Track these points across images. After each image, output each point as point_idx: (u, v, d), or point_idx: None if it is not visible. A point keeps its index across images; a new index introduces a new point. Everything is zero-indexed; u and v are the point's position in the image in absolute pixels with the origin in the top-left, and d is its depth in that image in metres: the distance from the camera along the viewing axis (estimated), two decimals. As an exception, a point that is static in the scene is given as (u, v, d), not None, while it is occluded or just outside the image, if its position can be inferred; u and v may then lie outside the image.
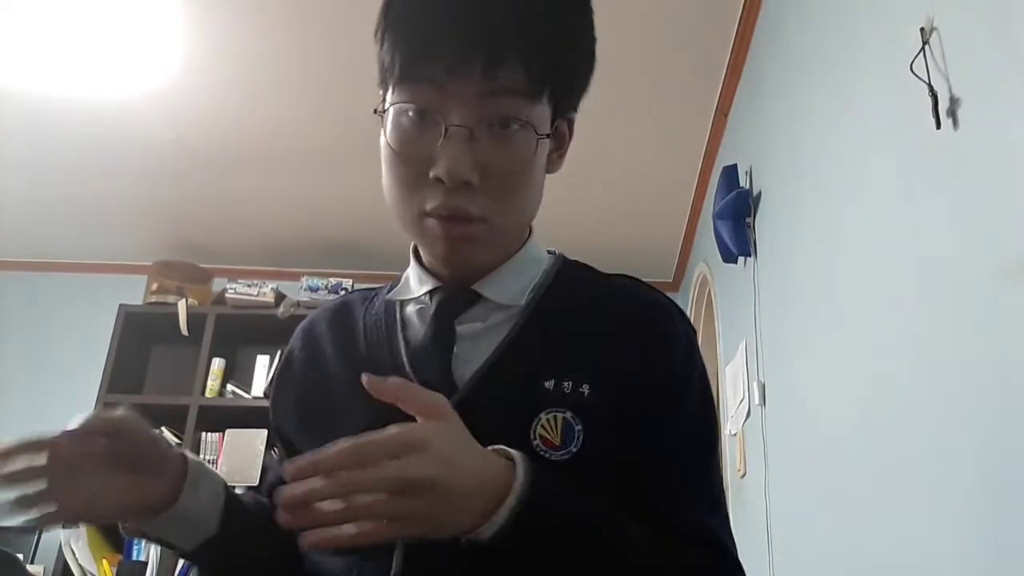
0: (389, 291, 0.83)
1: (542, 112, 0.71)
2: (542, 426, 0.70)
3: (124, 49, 2.81)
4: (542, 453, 0.69)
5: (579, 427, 0.71)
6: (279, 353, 3.14)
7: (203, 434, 3.34)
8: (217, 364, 3.46)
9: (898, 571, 1.43)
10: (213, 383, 3.44)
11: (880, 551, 1.51)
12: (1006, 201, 1.11)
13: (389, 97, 0.71)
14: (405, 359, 0.75)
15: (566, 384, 0.72)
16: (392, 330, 0.78)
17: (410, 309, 0.80)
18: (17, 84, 2.97)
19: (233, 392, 3.42)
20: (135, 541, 3.12)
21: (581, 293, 0.81)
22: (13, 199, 3.67)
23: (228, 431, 3.30)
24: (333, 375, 0.78)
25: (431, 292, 0.78)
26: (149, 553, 3.08)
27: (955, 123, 1.25)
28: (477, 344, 0.75)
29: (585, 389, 0.72)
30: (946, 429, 1.27)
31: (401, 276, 0.84)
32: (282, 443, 0.83)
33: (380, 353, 0.77)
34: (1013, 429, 1.08)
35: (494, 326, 0.76)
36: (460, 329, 0.76)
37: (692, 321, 3.75)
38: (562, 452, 0.70)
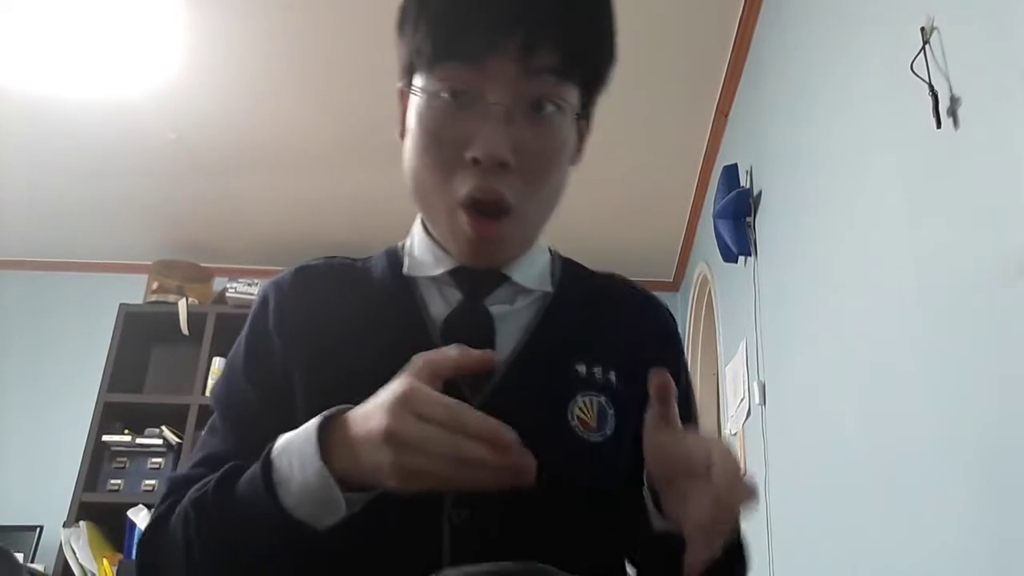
0: (389, 264, 0.80)
1: (574, 96, 0.71)
2: (579, 408, 0.72)
3: (125, 49, 2.81)
4: (580, 434, 0.71)
5: (611, 411, 0.73)
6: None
7: (203, 434, 3.34)
8: (217, 363, 3.46)
9: (898, 571, 1.43)
10: (213, 383, 3.44)
11: (880, 550, 1.51)
12: (1006, 200, 1.11)
13: (420, 81, 0.70)
14: (436, 337, 0.73)
15: (596, 369, 0.75)
16: (414, 306, 0.76)
17: (426, 286, 0.78)
18: (18, 84, 2.97)
19: (233, 391, 3.42)
20: (136, 540, 3.13)
21: (589, 285, 0.84)
22: (14, 198, 3.67)
23: (228, 430, 3.30)
24: (345, 341, 0.74)
25: (453, 271, 0.77)
26: (149, 552, 3.08)
27: (955, 122, 1.25)
28: (506, 326, 0.75)
29: (612, 375, 0.75)
30: (947, 428, 1.27)
31: (402, 248, 0.82)
32: (267, 389, 0.74)
33: (402, 328, 0.74)
34: (1014, 428, 1.08)
35: (521, 309, 0.77)
36: (491, 310, 0.76)
37: (693, 321, 3.77)
38: (597, 434, 0.72)
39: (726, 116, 2.93)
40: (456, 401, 0.54)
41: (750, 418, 2.53)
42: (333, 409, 0.60)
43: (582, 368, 0.74)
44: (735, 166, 2.73)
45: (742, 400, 2.62)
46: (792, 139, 2.20)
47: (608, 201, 3.56)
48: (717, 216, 2.65)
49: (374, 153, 3.36)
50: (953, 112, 1.25)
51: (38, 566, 3.25)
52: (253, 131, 3.23)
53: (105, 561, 3.04)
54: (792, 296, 2.16)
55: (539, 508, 0.66)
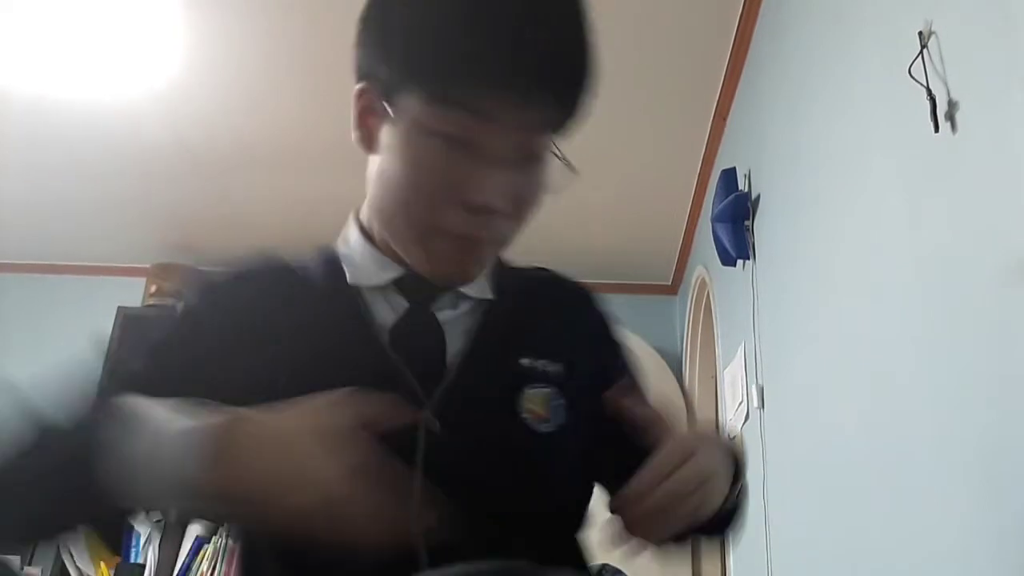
0: (329, 271, 0.79)
1: (558, 139, 0.72)
2: (528, 399, 0.74)
3: (124, 51, 2.81)
4: (532, 425, 0.73)
5: (560, 401, 0.76)
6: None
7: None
8: (216, 366, 3.46)
9: (898, 573, 1.43)
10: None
11: (880, 552, 1.51)
12: (1005, 204, 1.11)
13: (414, 111, 0.67)
14: (384, 344, 0.73)
15: (542, 362, 0.77)
16: (360, 315, 0.75)
17: (371, 293, 0.77)
18: (17, 85, 2.97)
19: (232, 394, 3.41)
20: (133, 543, 3.12)
21: (525, 283, 0.85)
22: (12, 201, 3.67)
23: (227, 433, 3.29)
24: (292, 352, 0.72)
25: (397, 279, 0.77)
26: (147, 555, 3.08)
27: (953, 126, 1.25)
28: (452, 330, 0.77)
29: (559, 367, 0.77)
30: (946, 430, 1.27)
31: (339, 253, 0.81)
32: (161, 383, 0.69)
33: (350, 337, 0.74)
34: (1014, 431, 1.08)
35: (464, 314, 0.78)
36: (437, 316, 0.77)
37: (691, 324, 3.76)
38: (549, 424, 0.74)
39: (724, 119, 2.94)
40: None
41: (748, 421, 2.53)
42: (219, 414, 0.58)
43: (527, 362, 0.76)
44: (733, 170, 2.73)
45: (740, 403, 2.62)
46: (791, 142, 2.20)
47: (606, 204, 3.56)
48: (715, 219, 2.65)
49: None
50: (951, 116, 1.26)
51: (35, 569, 3.24)
52: (252, 133, 3.24)
53: (103, 564, 3.04)
54: (791, 299, 2.17)
55: (503, 497, 0.68)
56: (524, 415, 0.73)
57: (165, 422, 0.57)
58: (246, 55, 2.84)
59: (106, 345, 0.69)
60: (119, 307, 3.52)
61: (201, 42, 2.78)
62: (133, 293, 3.79)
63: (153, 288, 3.66)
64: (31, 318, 4.02)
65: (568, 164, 0.71)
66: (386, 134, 0.71)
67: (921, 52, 1.33)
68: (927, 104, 1.28)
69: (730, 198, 2.58)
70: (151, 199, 3.66)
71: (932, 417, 1.32)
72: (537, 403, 0.74)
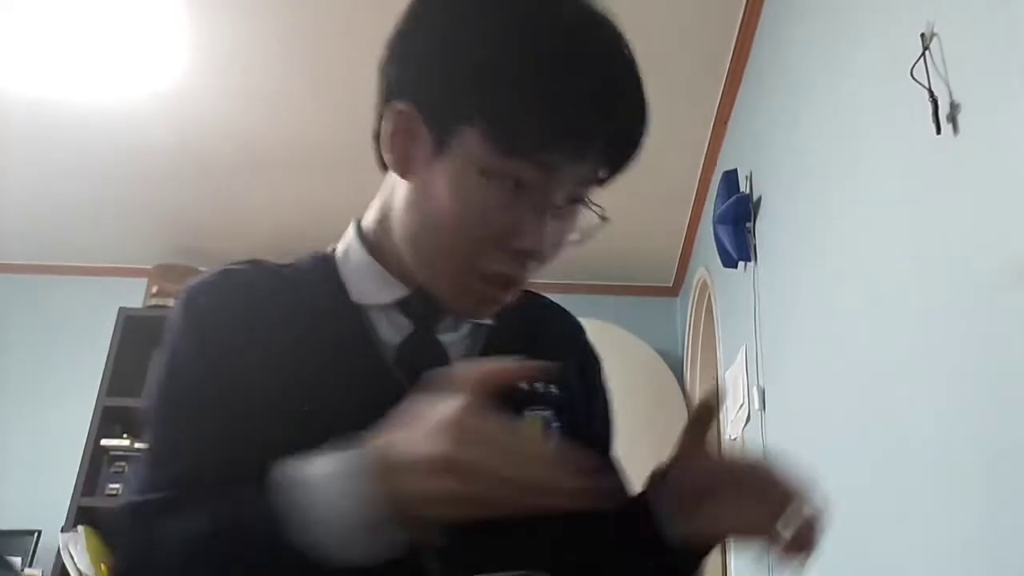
0: (329, 284, 0.77)
1: None
2: (527, 424, 0.74)
3: (126, 53, 2.81)
4: None
5: (557, 424, 0.75)
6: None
7: (148, 452, 3.33)
8: (217, 368, 3.46)
9: (898, 575, 1.43)
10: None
11: (880, 554, 1.51)
12: (1007, 206, 1.11)
13: (476, 154, 0.65)
14: (390, 364, 0.73)
15: (538, 385, 0.76)
16: (365, 332, 0.74)
17: (373, 312, 0.76)
18: (19, 87, 2.97)
19: (233, 396, 3.41)
20: None
21: (520, 307, 0.83)
22: (14, 202, 3.67)
23: (227, 435, 3.29)
24: (295, 366, 0.71)
25: (401, 300, 0.76)
26: (148, 557, 3.08)
27: (955, 128, 1.25)
28: (453, 353, 0.76)
29: (552, 389, 0.77)
30: (947, 433, 1.27)
31: (337, 264, 0.79)
32: (230, 391, 0.69)
33: (354, 355, 0.73)
34: (1015, 432, 1.08)
35: (465, 336, 0.78)
36: (440, 338, 0.77)
37: (692, 326, 3.76)
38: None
39: (726, 122, 2.94)
40: (512, 425, 0.53)
41: (749, 423, 2.52)
42: (365, 440, 0.57)
43: (526, 385, 0.75)
44: (735, 171, 2.73)
45: (741, 406, 2.62)
46: (792, 144, 2.20)
47: (608, 206, 3.55)
48: (717, 221, 2.65)
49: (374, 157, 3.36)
50: (953, 118, 1.25)
51: (36, 571, 3.24)
52: (255, 135, 3.24)
53: (103, 566, 3.04)
54: (792, 301, 2.16)
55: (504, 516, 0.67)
56: None
57: (325, 475, 0.56)
58: (249, 58, 2.84)
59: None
60: (120, 308, 3.53)
61: (204, 44, 2.78)
62: (134, 294, 3.79)
63: (155, 289, 3.66)
64: (32, 319, 4.03)
65: (603, 215, 0.72)
66: (430, 164, 0.68)
67: (923, 54, 1.33)
68: (929, 106, 1.28)
69: (731, 200, 2.58)
70: (153, 201, 3.67)
71: (933, 418, 1.31)
72: (535, 426, 0.74)
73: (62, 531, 3.06)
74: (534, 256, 0.69)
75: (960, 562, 1.21)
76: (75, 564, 2.99)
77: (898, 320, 1.46)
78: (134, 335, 3.50)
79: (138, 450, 3.28)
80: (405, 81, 0.71)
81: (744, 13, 2.56)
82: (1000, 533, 1.11)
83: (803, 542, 0.64)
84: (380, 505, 0.54)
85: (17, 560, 3.23)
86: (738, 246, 2.57)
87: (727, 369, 2.91)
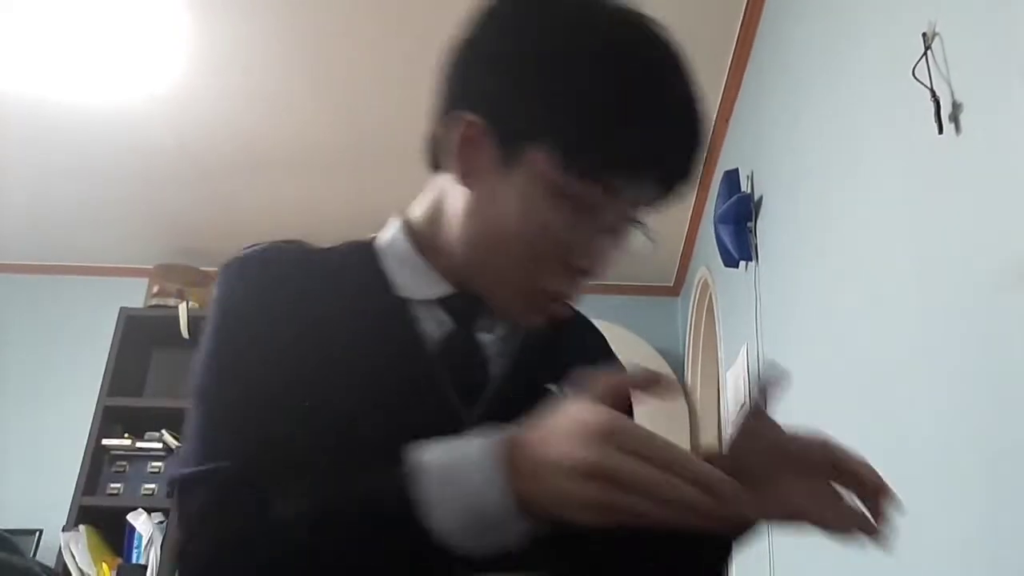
0: (370, 273, 0.77)
1: None
2: None
3: (126, 54, 2.81)
4: None
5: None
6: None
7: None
8: (217, 367, 3.46)
9: (898, 574, 1.43)
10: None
11: (880, 556, 1.50)
12: (1008, 206, 1.11)
13: (540, 164, 0.67)
14: (431, 358, 0.74)
15: (567, 390, 0.77)
16: (409, 326, 0.75)
17: (415, 306, 0.77)
18: (19, 88, 2.97)
19: (233, 395, 3.41)
20: (135, 544, 3.12)
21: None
22: (15, 202, 3.68)
23: (228, 434, 3.30)
24: (335, 350, 0.71)
25: (444, 297, 0.77)
26: (149, 556, 3.08)
27: (957, 128, 1.25)
28: (489, 353, 0.78)
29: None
30: (947, 434, 1.27)
31: (378, 255, 0.79)
32: (288, 361, 0.69)
33: (396, 342, 0.74)
34: (1015, 433, 1.08)
35: (501, 337, 0.79)
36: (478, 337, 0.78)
37: (694, 326, 3.76)
38: None
39: (727, 121, 2.93)
40: (667, 442, 0.52)
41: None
42: (500, 431, 0.57)
43: (554, 388, 0.77)
44: (736, 171, 2.73)
45: (743, 405, 2.62)
46: (793, 144, 2.20)
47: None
48: (718, 221, 2.65)
49: (375, 158, 3.36)
50: (955, 118, 1.25)
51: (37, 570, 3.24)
52: (254, 135, 3.24)
53: (104, 565, 3.04)
54: (793, 301, 2.16)
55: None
56: None
57: (467, 465, 0.56)
58: (249, 58, 2.85)
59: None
60: (121, 308, 3.53)
61: (204, 45, 2.78)
62: (135, 294, 3.79)
63: (155, 289, 3.67)
64: (33, 319, 4.03)
65: (652, 237, 0.75)
66: (495, 176, 0.70)
67: (925, 53, 1.32)
68: (931, 106, 1.28)
69: (733, 199, 2.58)
70: (154, 201, 3.67)
71: (933, 418, 1.31)
72: None
73: (63, 530, 3.06)
74: (590, 274, 0.71)
75: (960, 562, 1.21)
76: (76, 563, 3.00)
77: (899, 320, 1.46)
78: (135, 335, 3.50)
79: (139, 449, 3.28)
80: (474, 92, 0.71)
81: (745, 13, 2.56)
82: (1000, 533, 1.11)
83: (875, 522, 0.63)
84: (520, 501, 0.54)
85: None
86: (739, 246, 2.57)
87: (728, 369, 2.91)
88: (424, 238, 0.79)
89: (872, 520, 0.63)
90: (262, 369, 0.69)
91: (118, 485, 3.25)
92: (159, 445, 3.30)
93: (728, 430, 0.71)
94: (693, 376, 3.70)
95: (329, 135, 3.21)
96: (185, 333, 3.47)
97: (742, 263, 2.64)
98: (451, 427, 0.60)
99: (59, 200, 3.67)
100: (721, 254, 2.71)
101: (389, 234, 0.82)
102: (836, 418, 1.79)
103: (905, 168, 1.46)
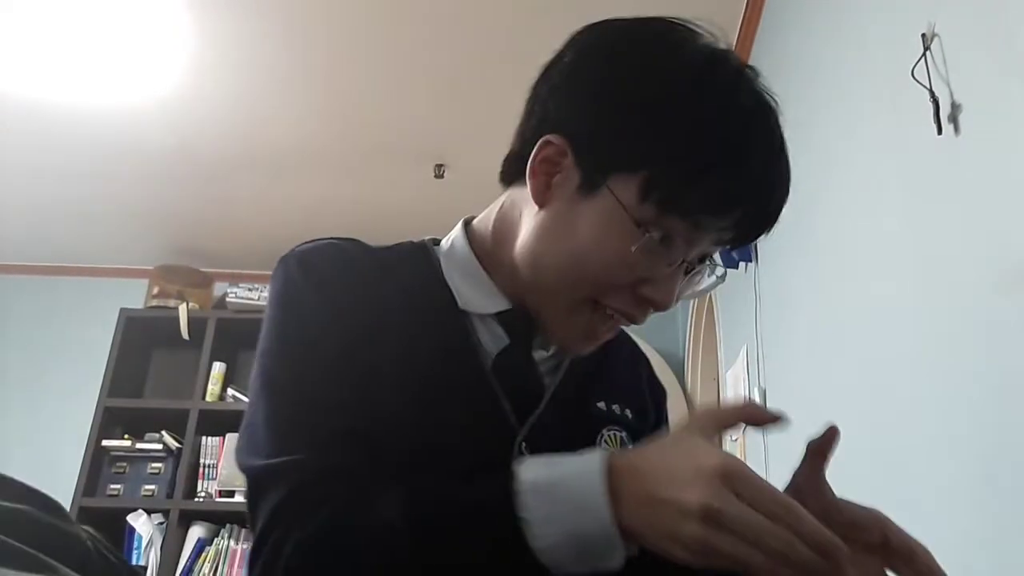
0: (435, 282, 0.78)
1: None
2: (605, 441, 0.78)
3: (127, 55, 2.81)
4: None
5: (631, 445, 0.79)
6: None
7: (204, 438, 3.34)
8: (218, 368, 3.47)
9: None
10: (214, 387, 3.44)
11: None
12: (1007, 207, 1.11)
13: (624, 193, 0.67)
14: (488, 371, 0.74)
15: (615, 407, 0.80)
16: (468, 338, 0.76)
17: (475, 318, 0.77)
18: (20, 89, 2.97)
19: (234, 396, 3.42)
20: (135, 545, 3.12)
21: None
22: (15, 203, 3.68)
23: (229, 435, 3.30)
24: (396, 351, 0.71)
25: (501, 312, 0.78)
26: (149, 557, 3.08)
27: (956, 129, 1.25)
28: (542, 367, 0.79)
29: (628, 412, 0.81)
30: (947, 433, 1.27)
31: (439, 262, 0.80)
32: (361, 350, 0.70)
33: (455, 352, 0.74)
34: (1015, 433, 1.08)
35: (553, 354, 0.80)
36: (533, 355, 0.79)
37: (694, 326, 3.75)
38: None
39: (727, 122, 2.93)
40: (784, 494, 0.52)
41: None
42: (609, 454, 0.57)
43: (603, 405, 0.79)
44: (736, 172, 2.73)
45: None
46: (793, 144, 2.19)
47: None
48: (718, 222, 2.65)
49: (375, 158, 3.36)
50: (954, 118, 1.25)
51: (37, 571, 3.24)
52: (254, 136, 3.24)
53: (104, 566, 3.04)
54: (793, 302, 2.16)
55: None
56: None
57: (579, 488, 0.56)
58: (249, 59, 2.85)
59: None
60: (121, 309, 3.53)
61: (204, 46, 2.79)
62: (135, 295, 3.80)
63: (155, 290, 3.67)
64: (33, 320, 4.03)
65: (722, 278, 0.76)
66: (574, 198, 0.70)
67: (924, 54, 1.33)
68: (930, 106, 1.28)
69: (732, 200, 2.58)
70: (153, 202, 3.67)
71: (933, 419, 1.31)
72: (613, 445, 0.77)
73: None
74: (659, 307, 0.72)
75: (960, 562, 1.21)
76: (76, 565, 2.99)
77: (899, 320, 1.46)
78: (135, 336, 3.50)
79: (139, 450, 3.28)
80: (565, 116, 0.71)
81: (744, 13, 2.56)
82: (1000, 533, 1.11)
83: None
84: (624, 529, 0.54)
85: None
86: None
87: (728, 369, 2.91)
88: (487, 249, 0.79)
89: None
90: (333, 361, 0.69)
91: (118, 486, 3.25)
92: (159, 446, 3.30)
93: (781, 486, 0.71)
94: (693, 376, 3.70)
95: (329, 135, 3.21)
96: (185, 334, 3.47)
97: (742, 264, 2.64)
98: (503, 439, 0.62)
99: (59, 201, 3.67)
100: (721, 255, 2.71)
101: (452, 239, 0.82)
102: (837, 418, 1.79)
103: (904, 169, 1.46)
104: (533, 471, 0.57)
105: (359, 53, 2.82)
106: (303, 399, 0.67)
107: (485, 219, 0.81)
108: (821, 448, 0.65)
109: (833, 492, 0.66)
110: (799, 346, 2.10)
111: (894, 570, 0.63)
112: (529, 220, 0.74)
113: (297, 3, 2.62)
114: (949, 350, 1.27)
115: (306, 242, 0.78)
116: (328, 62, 2.86)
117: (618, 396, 0.81)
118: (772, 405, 2.30)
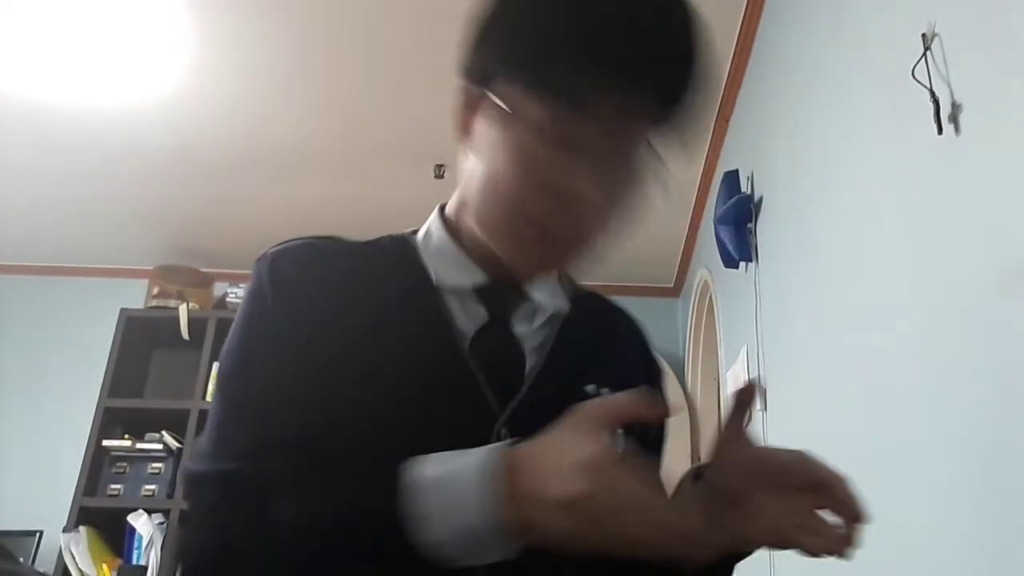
0: (408, 263, 0.78)
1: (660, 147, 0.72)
2: None
3: (127, 54, 2.81)
4: None
5: (619, 430, 0.74)
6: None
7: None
8: (218, 368, 3.46)
9: (899, 574, 1.43)
10: (214, 387, 3.44)
11: (881, 555, 1.50)
12: (1008, 206, 1.11)
13: (533, 108, 0.67)
14: (464, 352, 0.73)
15: (604, 390, 0.76)
16: (442, 317, 0.74)
17: (450, 296, 0.76)
18: (20, 89, 2.97)
19: (234, 396, 3.41)
20: (135, 545, 3.12)
21: (588, 304, 0.84)
22: (15, 204, 3.68)
23: (229, 435, 3.30)
24: (369, 339, 0.71)
25: (479, 288, 0.76)
26: (149, 557, 3.08)
27: (956, 129, 1.25)
28: (526, 345, 0.76)
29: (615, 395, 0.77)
30: (947, 433, 1.27)
31: (417, 246, 0.80)
32: (310, 359, 0.69)
33: (428, 336, 0.73)
34: (1015, 433, 1.08)
35: (538, 329, 0.78)
36: (515, 329, 0.77)
37: (694, 326, 3.75)
38: None
39: (727, 121, 2.93)
40: (645, 484, 0.54)
41: (751, 424, 2.52)
42: (497, 450, 0.58)
43: (591, 388, 0.76)
44: (736, 172, 2.73)
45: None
46: (793, 145, 2.20)
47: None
48: (718, 222, 2.65)
49: (373, 157, 3.36)
50: (954, 118, 1.25)
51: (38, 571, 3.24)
52: (254, 136, 3.24)
53: (104, 566, 3.04)
54: (793, 302, 2.16)
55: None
56: None
57: (459, 484, 0.57)
58: (249, 59, 2.85)
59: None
60: (121, 309, 3.53)
61: (204, 46, 2.79)
62: (135, 295, 3.80)
63: (155, 290, 3.67)
64: (33, 320, 4.03)
65: (667, 174, 0.71)
66: (488, 129, 0.71)
67: (924, 54, 1.33)
68: (930, 106, 1.28)
69: (733, 200, 2.58)
70: (153, 202, 3.67)
71: (933, 418, 1.31)
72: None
73: (63, 531, 3.06)
74: (577, 199, 0.68)
75: (960, 561, 1.21)
76: (76, 564, 3.00)
77: (899, 320, 1.46)
78: (135, 336, 3.50)
79: (139, 450, 3.28)
80: (465, 62, 0.73)
81: (745, 13, 2.56)
82: (1000, 532, 1.11)
83: (846, 538, 0.62)
84: (509, 522, 0.55)
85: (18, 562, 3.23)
86: (739, 246, 2.57)
87: (728, 369, 2.91)
88: (457, 223, 0.79)
89: (844, 540, 0.62)
90: (280, 365, 0.69)
91: (118, 486, 3.25)
92: (159, 446, 3.30)
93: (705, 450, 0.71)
94: (693, 376, 3.70)
95: (329, 135, 3.21)
96: (185, 334, 3.47)
97: (742, 264, 2.64)
98: (484, 422, 0.60)
99: (59, 201, 3.67)
100: (721, 255, 2.71)
101: (428, 223, 0.82)
102: (837, 418, 1.79)
103: (905, 169, 1.46)
104: (424, 468, 0.58)
105: (359, 53, 2.82)
106: (245, 407, 0.69)
107: (454, 198, 0.81)
108: (740, 405, 0.66)
109: (759, 442, 0.67)
110: (799, 346, 2.10)
111: (822, 506, 0.63)
112: (470, 173, 0.74)
113: (297, 3, 2.62)
114: (949, 350, 1.27)
115: (282, 242, 0.78)
116: (328, 62, 2.86)
117: (609, 377, 0.78)
118: (773, 404, 2.31)
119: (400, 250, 0.79)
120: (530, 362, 0.75)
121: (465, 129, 0.73)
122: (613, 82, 0.65)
